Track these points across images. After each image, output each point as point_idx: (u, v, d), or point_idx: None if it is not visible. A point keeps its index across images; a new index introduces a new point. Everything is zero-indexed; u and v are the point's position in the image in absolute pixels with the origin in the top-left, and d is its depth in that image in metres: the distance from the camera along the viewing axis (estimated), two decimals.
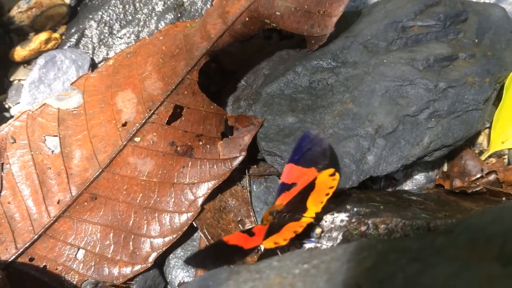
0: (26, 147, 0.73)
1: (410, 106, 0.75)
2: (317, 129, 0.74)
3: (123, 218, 0.71)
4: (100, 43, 0.90)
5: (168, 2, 0.90)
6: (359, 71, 0.79)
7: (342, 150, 0.73)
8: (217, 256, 0.60)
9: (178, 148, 0.74)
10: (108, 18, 0.90)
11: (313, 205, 0.61)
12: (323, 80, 0.80)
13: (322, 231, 0.62)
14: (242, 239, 0.61)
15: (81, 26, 0.90)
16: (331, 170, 0.62)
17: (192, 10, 0.90)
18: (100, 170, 0.72)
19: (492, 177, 0.82)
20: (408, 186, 0.85)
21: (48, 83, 0.84)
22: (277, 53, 0.88)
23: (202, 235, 0.73)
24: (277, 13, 0.78)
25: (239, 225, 0.76)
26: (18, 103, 0.87)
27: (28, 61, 0.91)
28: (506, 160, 0.86)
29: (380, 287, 0.37)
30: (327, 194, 0.61)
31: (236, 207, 0.77)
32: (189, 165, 0.74)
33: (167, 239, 0.71)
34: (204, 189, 0.73)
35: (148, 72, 0.76)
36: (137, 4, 0.89)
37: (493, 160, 0.86)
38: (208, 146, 0.75)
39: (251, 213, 0.77)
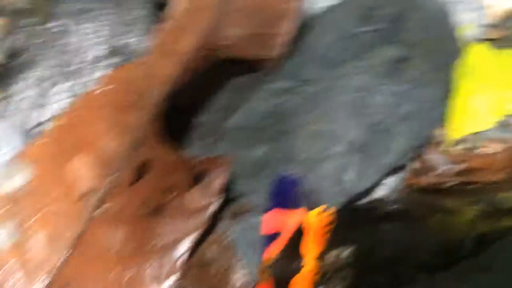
0: None
1: (377, 115, 0.74)
2: (289, 159, 0.71)
3: None
4: (34, 106, 0.81)
5: (105, 48, 0.83)
6: (320, 87, 0.77)
7: (320, 174, 0.70)
8: None
9: (148, 209, 0.67)
10: (41, 75, 0.81)
11: (312, 248, 0.58)
12: (286, 102, 0.77)
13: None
14: None
15: (9, 89, 0.81)
16: (322, 207, 0.59)
17: (130, 52, 0.84)
18: (67, 253, 0.64)
19: (460, 166, 0.82)
20: (382, 191, 0.84)
21: None
22: (232, 81, 0.83)
23: None
24: (229, 42, 0.75)
25: (226, 275, 0.71)
26: None
27: None
28: (467, 146, 0.87)
29: None
30: (326, 233, 0.57)
31: (219, 256, 0.72)
32: (164, 224, 0.68)
33: None
34: (184, 247, 0.67)
35: (102, 130, 0.69)
36: (71, 56, 0.81)
37: (457, 149, 0.86)
38: (180, 199, 0.69)
39: (236, 259, 0.72)
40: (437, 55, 0.81)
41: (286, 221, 0.62)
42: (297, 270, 0.58)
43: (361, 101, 0.75)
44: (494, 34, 1.02)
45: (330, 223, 0.58)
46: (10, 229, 0.64)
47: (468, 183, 0.77)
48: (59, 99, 0.81)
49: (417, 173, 0.84)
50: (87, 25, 0.84)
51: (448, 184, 0.77)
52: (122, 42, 0.84)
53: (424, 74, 0.78)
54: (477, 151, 0.82)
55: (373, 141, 0.73)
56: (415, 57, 0.81)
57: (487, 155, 0.81)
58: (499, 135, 0.87)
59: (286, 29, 0.78)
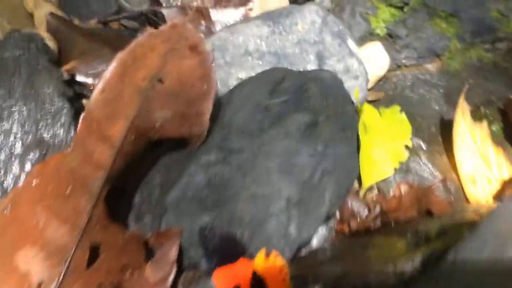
0: None
1: (304, 172, 0.83)
2: (234, 222, 0.76)
3: None
4: None
5: (27, 141, 0.83)
6: (248, 156, 0.84)
7: (267, 232, 0.76)
8: None
9: None
10: None
11: None
12: (219, 173, 0.82)
13: None
14: None
15: None
16: (262, 253, 0.63)
17: (56, 143, 0.84)
18: None
19: (377, 210, 0.94)
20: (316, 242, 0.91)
21: None
22: (161, 160, 0.87)
23: None
24: (157, 124, 0.79)
25: None
26: None
27: None
28: (377, 192, 1.00)
29: None
30: (285, 277, 0.61)
31: None
32: None
33: None
34: None
35: (44, 221, 0.69)
36: None
37: (371, 194, 0.98)
38: (135, 275, 0.70)
39: None
40: (339, 117, 0.94)
41: (237, 273, 0.64)
42: None
43: (286, 164, 0.83)
44: (374, 96, 1.20)
45: (283, 267, 0.61)
46: None
47: (387, 223, 0.87)
48: None
49: (343, 220, 0.94)
50: (8, 122, 0.84)
51: (372, 226, 0.86)
52: (48, 133, 0.85)
53: (334, 135, 0.89)
54: (388, 195, 0.95)
55: (306, 195, 0.80)
56: (322, 121, 0.92)
57: (396, 197, 0.93)
58: (401, 179, 1.02)
59: (207, 107, 0.86)
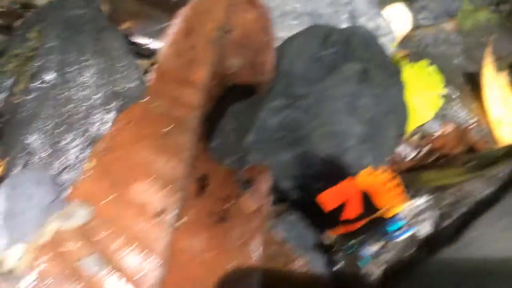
0: (67, 280, 0.62)
1: (367, 112, 0.90)
2: (313, 158, 0.82)
3: None
4: (52, 153, 0.81)
5: (105, 93, 0.86)
6: (313, 100, 0.90)
7: (344, 165, 0.82)
8: None
9: (217, 216, 0.73)
10: (48, 126, 0.82)
11: (390, 202, 0.68)
12: (288, 116, 0.88)
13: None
14: None
15: (21, 143, 0.79)
16: (368, 169, 0.70)
17: (131, 95, 0.89)
18: (162, 268, 0.66)
19: (426, 149, 1.02)
20: None
21: (22, 213, 0.72)
22: (229, 109, 0.93)
23: None
24: (231, 70, 0.85)
25: (290, 266, 0.78)
26: None
27: None
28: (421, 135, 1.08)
29: None
30: (397, 185, 0.67)
31: (279, 251, 0.79)
32: (231, 230, 0.73)
33: None
34: (256, 247, 0.73)
35: (148, 158, 0.74)
36: (72, 105, 0.84)
37: (414, 137, 1.06)
38: (236, 205, 0.75)
39: (293, 252, 0.80)
40: (385, 66, 1.01)
41: (338, 195, 0.71)
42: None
43: (350, 105, 0.90)
44: (400, 53, 1.28)
45: (394, 179, 0.68)
46: (94, 260, 0.64)
47: (438, 159, 0.96)
48: (76, 144, 0.82)
49: (392, 163, 1.01)
50: (83, 76, 0.88)
51: (424, 163, 0.94)
52: (123, 87, 0.89)
53: (386, 80, 0.96)
54: (435, 134, 1.03)
55: (373, 133, 0.87)
56: (371, 69, 0.99)
57: (442, 135, 1.02)
58: (438, 125, 1.10)
59: (270, 56, 0.92)
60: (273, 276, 0.75)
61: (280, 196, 0.82)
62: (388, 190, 0.67)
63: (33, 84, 0.84)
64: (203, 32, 0.87)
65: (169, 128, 0.76)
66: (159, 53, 0.87)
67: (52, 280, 0.62)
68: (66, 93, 0.85)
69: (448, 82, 1.21)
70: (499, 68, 1.29)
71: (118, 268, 0.64)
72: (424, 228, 0.65)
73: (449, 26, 1.39)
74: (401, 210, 0.66)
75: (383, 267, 0.66)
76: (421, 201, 0.68)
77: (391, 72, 1.00)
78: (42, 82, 0.84)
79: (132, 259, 0.65)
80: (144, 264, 0.65)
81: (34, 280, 0.61)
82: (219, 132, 0.90)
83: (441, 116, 1.12)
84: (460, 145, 1.00)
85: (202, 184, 0.73)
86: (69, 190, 0.70)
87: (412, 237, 0.65)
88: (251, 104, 0.92)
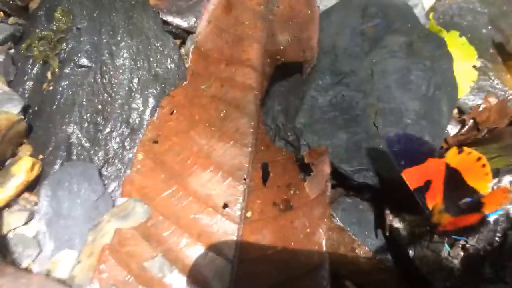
0: (133, 286, 0.57)
1: (420, 87, 0.85)
2: (371, 136, 0.78)
3: None
4: (93, 144, 0.74)
5: (143, 76, 0.80)
6: (363, 75, 0.85)
7: None
8: None
9: (281, 206, 0.68)
10: (85, 115, 0.75)
11: (478, 182, 0.64)
12: (339, 94, 0.83)
13: None
14: None
15: (60, 135, 0.73)
16: (455, 149, 0.67)
17: (170, 77, 0.82)
18: (232, 267, 0.61)
19: (470, 122, 0.98)
20: None
21: (68, 214, 0.66)
22: (273, 88, 0.87)
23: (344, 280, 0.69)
24: (281, 47, 0.79)
25: (353, 253, 0.74)
26: (38, 255, 0.65)
27: (8, 204, 0.69)
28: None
29: None
30: (483, 165, 0.64)
31: (340, 238, 0.75)
32: (295, 218, 0.68)
33: None
34: (321, 235, 0.68)
35: (207, 145, 0.68)
36: (109, 91, 0.77)
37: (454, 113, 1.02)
38: (298, 192, 0.70)
39: (354, 238, 0.76)
40: (427, 37, 0.96)
41: (425, 172, 0.67)
42: (477, 200, 0.63)
43: (402, 80, 0.85)
44: (429, 25, 1.23)
45: (481, 158, 0.64)
46: (160, 261, 0.59)
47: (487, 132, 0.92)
48: (117, 133, 0.76)
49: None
50: (120, 58, 0.81)
51: (475, 137, 0.90)
52: (161, 68, 0.83)
53: (433, 52, 0.91)
54: (479, 107, 0.99)
55: (428, 108, 0.83)
56: (415, 40, 0.95)
57: (486, 108, 0.98)
58: (476, 98, 1.06)
59: (315, 30, 0.86)
60: (339, 265, 0.71)
61: (341, 181, 0.77)
62: (476, 169, 0.64)
63: (65, 70, 0.77)
64: (248, 7, 0.80)
65: (225, 111, 0.70)
66: (196, 31, 0.81)
67: (117, 287, 0.56)
68: (100, 79, 0.78)
69: (480, 53, 1.17)
70: None
71: (186, 269, 0.59)
72: None
73: None
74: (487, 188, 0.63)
75: (468, 251, 0.62)
76: (506, 180, 0.65)
77: (436, 44, 0.95)
78: (75, 67, 0.76)
79: (200, 257, 0.60)
80: (214, 263, 0.60)
81: None
82: (266, 115, 0.84)
83: (477, 88, 1.08)
84: (503, 119, 0.96)
85: (264, 172, 0.68)
86: (121, 186, 0.64)
87: (504, 218, 0.61)
88: (297, 83, 0.87)
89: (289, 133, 0.80)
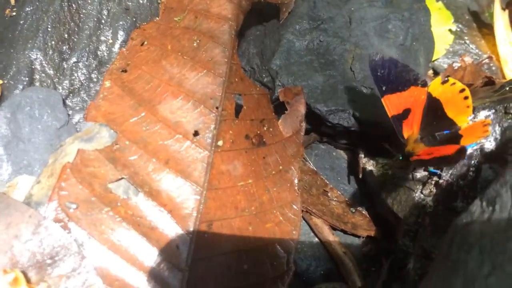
0: (95, 206, 0.54)
1: (398, 36, 0.84)
2: (348, 80, 0.76)
3: (244, 235, 0.60)
4: (57, 73, 0.70)
5: (113, 9, 0.76)
6: (341, 22, 0.83)
7: None
8: None
9: (253, 140, 0.66)
10: (50, 42, 0.71)
11: (458, 114, 0.62)
12: (316, 39, 0.81)
13: None
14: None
15: (22, 61, 0.69)
16: (439, 78, 0.65)
17: (142, 12, 0.79)
18: (203, 191, 0.59)
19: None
20: None
21: (28, 139, 0.62)
22: (248, 32, 0.84)
23: (315, 218, 0.67)
24: None
25: (325, 195, 0.73)
26: None
27: None
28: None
29: None
30: (466, 98, 0.62)
31: (312, 181, 0.73)
32: (267, 154, 0.66)
33: (293, 234, 0.63)
34: (293, 173, 0.67)
35: (179, 74, 0.65)
36: (77, 20, 0.73)
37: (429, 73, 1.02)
38: (272, 130, 0.68)
39: (326, 182, 0.74)
40: None
41: (407, 99, 0.65)
42: (455, 133, 0.61)
43: (380, 28, 0.84)
44: None
45: (464, 89, 0.62)
46: (125, 184, 0.56)
47: None
48: (83, 65, 0.72)
49: None
50: None
51: None
52: (132, 3, 0.79)
53: (412, 5, 0.90)
54: (454, 66, 0.99)
55: (405, 57, 0.82)
56: None
57: (461, 67, 0.98)
58: (451, 61, 1.07)
59: None
60: (310, 205, 0.69)
61: (315, 126, 0.75)
62: (458, 101, 0.62)
63: None
64: None
65: (199, 41, 0.67)
66: None
67: (78, 205, 0.53)
68: (67, 7, 0.74)
69: (457, 18, 1.17)
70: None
71: (153, 193, 0.56)
72: (487, 144, 0.60)
73: None
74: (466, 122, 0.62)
75: (441, 187, 0.61)
76: (481, 116, 0.64)
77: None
78: None
79: (168, 183, 0.57)
80: (182, 188, 0.58)
81: (58, 207, 0.52)
82: (241, 57, 0.82)
83: (452, 52, 1.08)
84: (476, 79, 0.96)
85: (237, 104, 0.65)
86: (86, 111, 0.60)
87: (478, 152, 0.61)
88: (274, 28, 0.84)
89: (264, 75, 0.78)
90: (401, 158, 0.62)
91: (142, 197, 0.56)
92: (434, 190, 0.62)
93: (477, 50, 1.12)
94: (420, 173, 0.65)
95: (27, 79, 0.68)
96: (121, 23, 0.75)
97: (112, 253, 0.52)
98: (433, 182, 0.63)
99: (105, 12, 0.75)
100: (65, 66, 0.71)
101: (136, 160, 0.58)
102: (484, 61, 1.08)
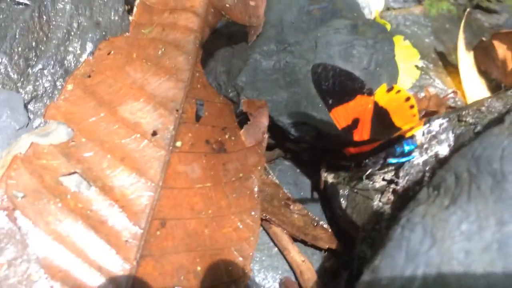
0: (44, 196, 0.53)
1: (361, 61, 0.87)
2: (311, 98, 0.78)
3: (199, 237, 0.59)
4: (21, 78, 0.71)
5: (84, 22, 0.78)
6: (307, 46, 0.86)
7: None
8: None
9: (214, 146, 0.66)
10: (17, 48, 0.72)
11: (405, 123, 0.62)
12: (282, 59, 0.84)
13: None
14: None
15: None
16: (384, 86, 0.66)
17: (112, 27, 0.80)
18: (158, 188, 0.58)
19: None
20: None
21: None
22: (217, 52, 0.87)
23: (274, 226, 0.66)
24: (227, 5, 0.80)
25: (286, 208, 0.72)
26: None
27: None
28: None
29: None
30: (412, 107, 0.62)
31: (274, 193, 0.73)
32: (228, 161, 0.66)
33: (251, 241, 0.62)
34: (254, 181, 0.67)
35: (141, 79, 0.66)
36: (46, 30, 0.75)
37: None
38: (233, 138, 0.69)
39: (289, 195, 0.74)
40: (372, 24, 0.99)
41: (354, 109, 0.65)
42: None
43: (345, 52, 0.87)
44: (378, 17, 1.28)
45: (410, 98, 0.63)
46: (77, 178, 0.55)
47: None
48: (49, 72, 0.73)
49: None
50: (61, 2, 0.78)
51: None
52: (103, 18, 0.81)
53: (376, 35, 0.94)
54: (419, 96, 1.02)
55: (368, 81, 0.83)
56: (361, 25, 0.97)
57: (426, 98, 1.01)
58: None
59: (263, 2, 0.87)
60: (271, 214, 0.69)
61: (279, 141, 0.76)
62: (404, 109, 0.63)
63: (1, 5, 0.74)
64: None
65: (164, 49, 0.68)
66: None
67: (26, 195, 0.52)
68: (38, 18, 0.76)
69: (423, 56, 1.22)
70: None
71: (106, 188, 0.55)
72: (441, 150, 0.61)
73: (417, 10, 1.41)
74: (416, 131, 0.62)
75: (397, 193, 0.61)
76: (436, 125, 0.65)
77: (380, 30, 0.98)
78: (12, 4, 0.74)
79: (122, 179, 0.57)
80: (136, 185, 0.57)
81: (4, 195, 0.51)
82: (208, 74, 0.83)
83: (419, 86, 1.12)
84: (441, 109, 0.99)
85: (199, 109, 0.66)
86: (45, 110, 0.60)
87: (433, 159, 0.61)
88: (242, 49, 0.87)
89: (229, 90, 0.80)
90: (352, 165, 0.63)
91: (94, 192, 0.55)
92: (392, 198, 0.63)
93: (442, 86, 1.16)
94: (379, 183, 0.66)
95: None
96: (90, 35, 0.77)
97: (57, 244, 0.50)
98: (390, 190, 0.63)
99: (75, 24, 0.77)
100: (30, 72, 0.71)
101: (91, 157, 0.57)
102: (449, 95, 1.11)
